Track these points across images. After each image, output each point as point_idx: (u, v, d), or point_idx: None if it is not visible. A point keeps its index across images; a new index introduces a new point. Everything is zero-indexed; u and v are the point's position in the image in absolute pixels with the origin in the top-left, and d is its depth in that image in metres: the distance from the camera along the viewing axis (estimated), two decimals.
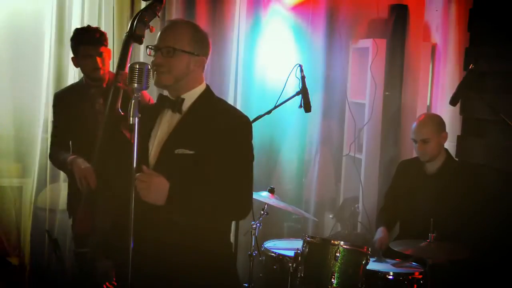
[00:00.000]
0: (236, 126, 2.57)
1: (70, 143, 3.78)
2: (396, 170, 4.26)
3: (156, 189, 2.41)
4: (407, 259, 3.68)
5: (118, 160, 2.52)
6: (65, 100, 3.77)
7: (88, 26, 3.78)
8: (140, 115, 2.38)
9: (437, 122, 3.95)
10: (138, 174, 2.39)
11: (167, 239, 2.52)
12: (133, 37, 3.37)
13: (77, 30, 3.79)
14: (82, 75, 4.41)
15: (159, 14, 3.35)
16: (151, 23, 3.38)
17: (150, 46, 2.62)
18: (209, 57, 2.72)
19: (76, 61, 3.71)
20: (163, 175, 2.44)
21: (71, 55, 3.76)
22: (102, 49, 3.64)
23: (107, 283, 2.67)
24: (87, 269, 3.12)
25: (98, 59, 3.63)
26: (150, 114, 2.69)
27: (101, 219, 3.25)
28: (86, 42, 3.62)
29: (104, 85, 3.68)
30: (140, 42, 3.42)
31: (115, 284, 2.38)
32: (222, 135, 2.52)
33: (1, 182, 4.58)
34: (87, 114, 3.65)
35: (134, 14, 4.44)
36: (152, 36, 3.45)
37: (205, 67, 2.70)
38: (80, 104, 3.69)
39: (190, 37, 2.61)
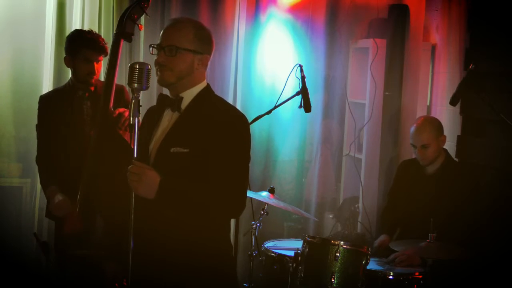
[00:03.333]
0: (232, 124, 2.57)
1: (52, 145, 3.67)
2: (397, 170, 4.26)
3: (146, 181, 2.41)
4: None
5: (115, 159, 2.52)
6: (51, 102, 3.69)
7: (92, 31, 3.73)
8: (140, 115, 2.39)
9: (435, 127, 3.91)
10: (129, 166, 2.40)
11: (166, 238, 2.53)
12: (123, 34, 3.39)
13: (79, 32, 3.73)
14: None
15: (147, 11, 3.38)
16: (139, 21, 3.41)
17: (153, 45, 2.62)
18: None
19: (71, 62, 3.65)
20: (160, 173, 2.44)
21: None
22: (101, 58, 3.64)
23: (116, 285, 2.67)
24: (92, 272, 3.12)
25: (96, 66, 3.62)
26: (152, 114, 2.70)
27: (105, 220, 3.25)
28: (90, 47, 3.58)
29: (92, 89, 3.65)
30: (130, 40, 3.44)
31: (125, 284, 2.37)
32: (218, 133, 2.52)
33: (1, 182, 4.58)
34: (75, 117, 3.62)
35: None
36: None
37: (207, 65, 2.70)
38: (67, 107, 3.63)
39: (192, 35, 2.60)
